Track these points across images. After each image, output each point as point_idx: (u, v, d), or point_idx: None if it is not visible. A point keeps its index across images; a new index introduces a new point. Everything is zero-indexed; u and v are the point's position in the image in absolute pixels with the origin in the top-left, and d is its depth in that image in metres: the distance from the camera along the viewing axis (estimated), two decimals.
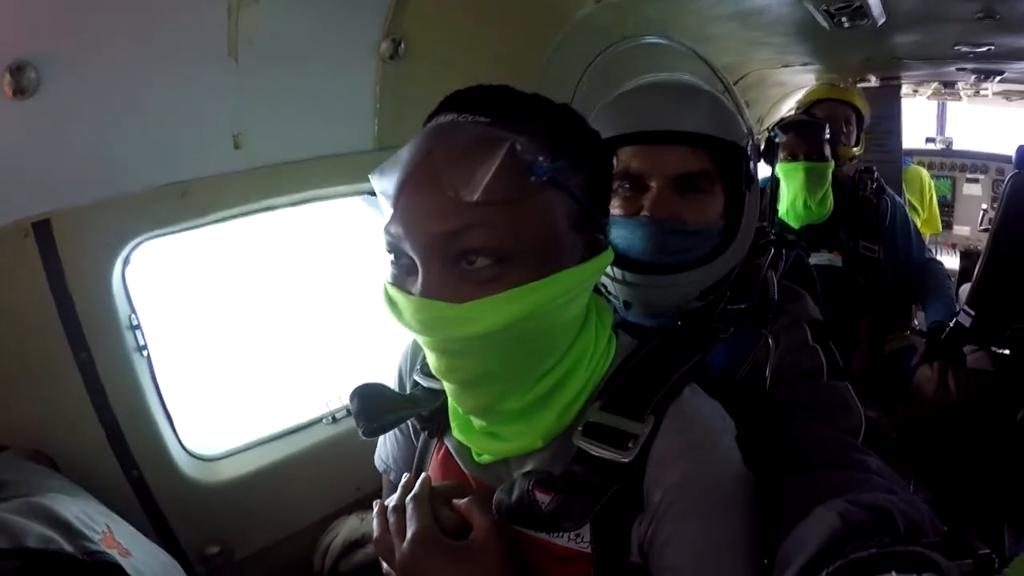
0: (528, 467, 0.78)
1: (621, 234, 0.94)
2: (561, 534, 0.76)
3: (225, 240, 1.47)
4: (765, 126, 2.37)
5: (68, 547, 0.91)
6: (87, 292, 1.23)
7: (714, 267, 0.99)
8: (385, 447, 1.06)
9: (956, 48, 2.05)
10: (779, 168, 2.15)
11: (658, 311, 0.93)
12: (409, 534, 0.73)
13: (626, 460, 0.71)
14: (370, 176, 0.72)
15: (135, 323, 1.30)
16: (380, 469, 1.05)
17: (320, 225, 1.63)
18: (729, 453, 0.76)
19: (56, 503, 1.00)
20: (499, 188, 0.64)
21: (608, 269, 0.97)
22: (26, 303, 1.19)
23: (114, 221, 1.23)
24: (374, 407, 0.87)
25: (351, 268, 1.76)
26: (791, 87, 3.16)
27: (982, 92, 3.58)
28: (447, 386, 0.76)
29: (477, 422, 0.81)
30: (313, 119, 1.39)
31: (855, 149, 2.40)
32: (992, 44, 1.95)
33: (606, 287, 1.01)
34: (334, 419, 1.61)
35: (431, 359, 0.73)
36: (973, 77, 2.66)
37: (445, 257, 0.67)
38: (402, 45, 1.39)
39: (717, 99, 1.02)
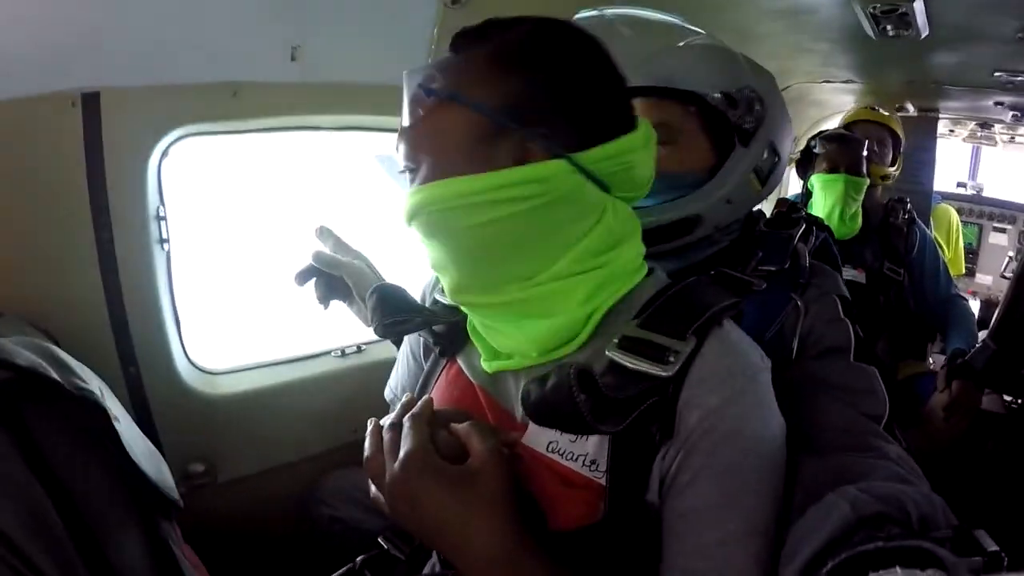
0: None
1: None
2: (576, 457, 0.73)
3: (268, 156, 1.47)
4: (799, 148, 2.38)
5: (55, 375, 0.86)
6: (122, 173, 1.21)
7: (692, 199, 1.00)
8: (397, 374, 1.03)
9: (995, 76, 2.08)
10: (816, 179, 2.15)
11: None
12: (402, 453, 0.68)
13: (666, 374, 0.67)
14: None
15: (162, 215, 1.28)
16: (388, 399, 1.02)
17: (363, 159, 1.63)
18: (768, 392, 0.73)
19: (54, 348, 0.96)
20: (410, 113, 0.76)
21: None
22: (59, 173, 1.17)
23: (162, 107, 1.22)
24: (391, 306, 0.86)
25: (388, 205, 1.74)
26: (829, 109, 3.17)
27: (1018, 138, 3.60)
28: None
29: (484, 321, 0.80)
30: (371, 47, 1.39)
31: (890, 169, 2.40)
32: None
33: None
34: (343, 353, 1.57)
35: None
36: (1011, 115, 2.68)
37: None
38: None
39: (696, 47, 1.04)
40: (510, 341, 0.78)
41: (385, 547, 0.95)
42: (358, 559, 0.96)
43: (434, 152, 0.72)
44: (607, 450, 0.71)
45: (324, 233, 1.14)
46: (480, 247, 0.73)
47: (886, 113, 2.44)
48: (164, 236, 1.30)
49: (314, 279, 1.13)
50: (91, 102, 1.15)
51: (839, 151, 2.15)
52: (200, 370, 1.40)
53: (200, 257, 1.49)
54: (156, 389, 1.30)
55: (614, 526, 0.71)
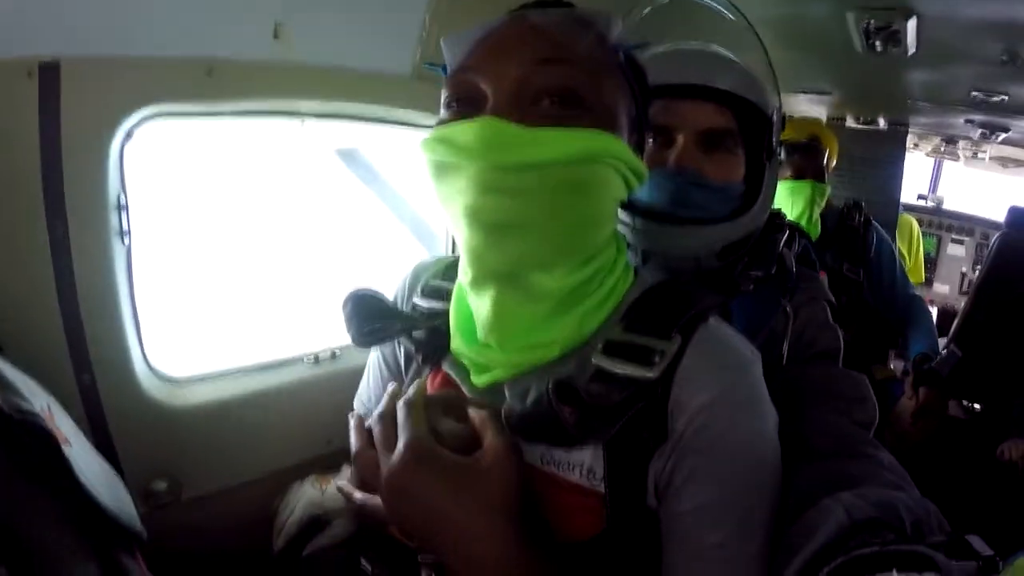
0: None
1: (645, 185, 0.94)
2: (572, 468, 0.71)
3: (241, 148, 1.35)
4: None
5: None
6: (80, 155, 1.06)
7: (730, 227, 1.01)
8: (367, 386, 0.98)
9: (972, 95, 2.18)
10: (783, 186, 2.25)
11: (676, 262, 0.92)
12: (401, 443, 0.63)
13: (652, 375, 0.67)
14: (442, 41, 0.74)
15: (123, 203, 1.14)
16: (358, 412, 0.96)
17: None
18: (759, 385, 0.72)
19: None
20: (591, 46, 0.70)
21: (628, 219, 0.98)
22: (9, 151, 1.01)
23: (128, 82, 1.08)
24: (368, 313, 0.82)
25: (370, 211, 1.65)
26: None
27: (979, 155, 3.83)
28: (472, 242, 0.68)
29: (483, 333, 0.73)
30: (359, 30, 1.29)
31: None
32: (1007, 94, 2.08)
33: (625, 236, 0.98)
34: (316, 360, 1.46)
35: (469, 198, 0.65)
36: (978, 132, 2.82)
37: (523, 91, 0.67)
38: None
39: (747, 70, 1.04)
40: (500, 355, 0.74)
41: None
42: None
43: (612, 105, 0.72)
44: (602, 457, 0.68)
45: None
46: (592, 218, 0.71)
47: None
48: (125, 228, 1.15)
49: None
50: (49, 72, 1.01)
51: (804, 159, 2.30)
52: (162, 378, 1.26)
53: (163, 252, 1.35)
54: (113, 399, 1.16)
55: (618, 534, 0.68)
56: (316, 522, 1.27)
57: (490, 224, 0.66)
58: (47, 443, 0.77)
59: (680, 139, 0.98)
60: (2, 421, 0.73)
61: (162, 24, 1.09)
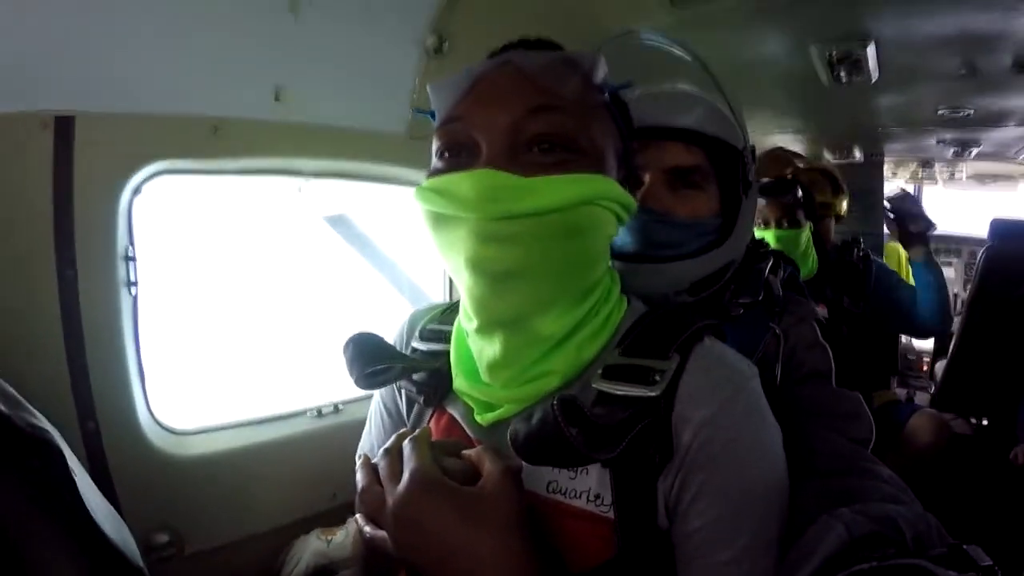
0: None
1: None
2: (579, 494, 0.70)
3: (246, 204, 1.41)
4: None
5: (5, 409, 0.75)
6: (92, 206, 1.13)
7: (703, 261, 1.01)
8: (370, 434, 0.97)
9: (938, 113, 2.25)
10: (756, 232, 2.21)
11: (645, 301, 0.89)
12: (407, 474, 0.63)
13: (653, 394, 0.67)
14: (428, 87, 0.74)
15: (131, 255, 1.19)
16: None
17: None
18: (759, 397, 0.73)
19: (3, 385, 0.85)
20: (578, 88, 0.71)
21: None
22: (23, 200, 1.08)
23: (139, 137, 1.16)
24: (369, 356, 0.82)
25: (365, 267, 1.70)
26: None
27: (956, 175, 3.87)
28: (475, 291, 0.69)
29: (487, 375, 0.75)
30: (355, 91, 1.39)
31: (834, 199, 2.52)
32: (972, 109, 2.15)
33: None
34: (319, 414, 1.45)
35: (470, 249, 0.66)
36: (951, 151, 2.88)
37: (516, 140, 0.68)
38: (446, 43, 1.44)
39: (714, 105, 1.07)
40: (503, 392, 0.75)
41: None
42: None
43: (602, 146, 0.73)
44: (609, 482, 0.68)
45: None
46: (589, 258, 0.73)
47: (799, 164, 2.56)
48: (132, 279, 1.20)
49: None
50: (64, 125, 1.08)
51: (768, 206, 2.16)
52: (166, 429, 1.27)
53: (168, 305, 1.38)
54: (117, 448, 1.16)
55: (630, 559, 0.67)
56: (323, 572, 1.24)
57: (493, 273, 0.67)
58: (56, 459, 0.77)
59: (647, 178, 1.00)
60: (13, 434, 0.74)
61: (171, 83, 1.18)
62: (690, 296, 1.01)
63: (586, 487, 0.70)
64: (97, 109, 1.11)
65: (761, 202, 2.16)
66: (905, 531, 0.60)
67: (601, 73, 0.74)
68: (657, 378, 0.68)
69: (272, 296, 1.65)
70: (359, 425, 1.00)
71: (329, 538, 1.31)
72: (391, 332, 0.97)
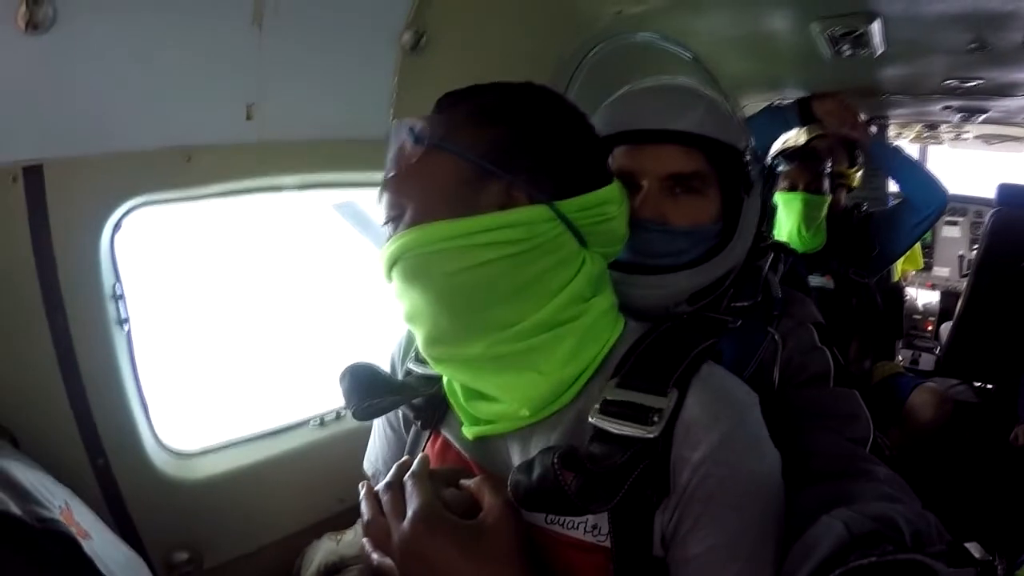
0: (535, 448, 0.72)
1: None
2: (576, 525, 0.72)
3: (227, 221, 1.40)
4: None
5: (16, 510, 0.79)
6: (72, 251, 1.12)
7: (703, 271, 0.97)
8: (375, 446, 1.00)
9: (946, 83, 2.15)
10: (778, 196, 2.19)
11: (643, 314, 0.87)
12: (410, 511, 0.66)
13: (652, 436, 0.67)
14: None
15: (119, 293, 1.20)
16: (368, 472, 0.98)
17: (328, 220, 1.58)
18: (758, 427, 0.73)
19: (11, 468, 0.88)
20: (396, 162, 0.76)
21: None
22: (3, 254, 1.07)
23: (111, 177, 1.14)
24: (366, 388, 0.83)
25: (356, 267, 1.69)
26: None
27: (963, 136, 3.77)
28: None
29: (463, 381, 0.79)
30: (330, 100, 1.34)
31: (850, 170, 2.47)
32: (981, 78, 2.05)
33: None
34: (322, 422, 1.49)
35: None
36: (958, 116, 2.79)
37: None
38: (424, 38, 1.37)
39: (713, 102, 1.02)
40: (494, 406, 0.77)
41: None
42: None
43: (419, 197, 0.73)
44: (607, 514, 0.69)
45: None
46: (461, 293, 0.72)
47: None
48: (123, 316, 1.21)
49: None
50: (33, 175, 1.06)
51: (798, 169, 2.19)
52: (174, 454, 1.31)
53: (161, 332, 1.40)
54: (128, 479, 1.21)
55: None
56: (334, 568, 1.32)
57: (405, 316, 0.77)
58: (69, 546, 0.81)
59: (645, 185, 0.95)
60: (24, 531, 0.78)
61: (139, 117, 1.14)
62: (689, 305, 0.98)
63: (583, 518, 0.71)
64: (66, 153, 1.09)
65: (792, 165, 2.19)
66: (904, 529, 0.61)
67: (435, 125, 0.76)
68: (656, 419, 0.68)
69: (272, 303, 1.66)
70: (362, 429, 1.03)
71: (339, 538, 1.39)
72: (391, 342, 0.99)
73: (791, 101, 2.07)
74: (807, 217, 2.16)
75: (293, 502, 1.42)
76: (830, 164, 2.24)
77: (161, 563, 1.23)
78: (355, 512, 0.83)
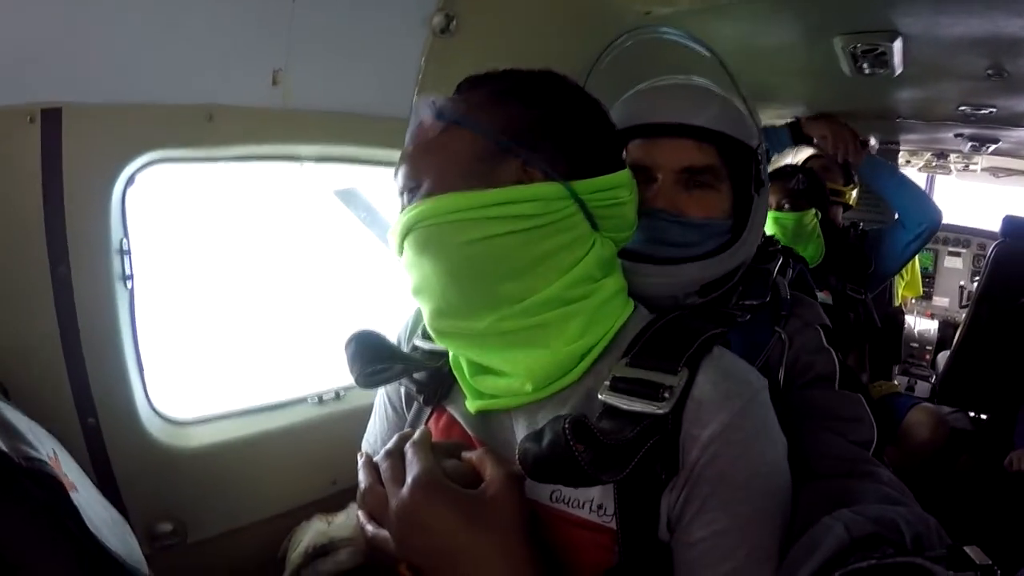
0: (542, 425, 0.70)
1: None
2: (582, 504, 0.72)
3: (243, 190, 1.37)
4: None
5: (3, 446, 0.75)
6: (83, 200, 1.09)
7: (714, 263, 1.00)
8: (375, 426, 0.99)
9: (960, 109, 2.18)
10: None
11: (653, 303, 0.89)
12: (410, 478, 0.65)
13: (662, 411, 0.68)
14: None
15: (126, 248, 1.16)
16: (368, 452, 0.96)
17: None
18: (767, 410, 0.73)
19: (2, 410, 0.85)
20: (416, 136, 0.79)
21: None
22: (12, 197, 1.05)
23: (129, 128, 1.11)
24: (372, 354, 0.83)
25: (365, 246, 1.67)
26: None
27: (971, 167, 3.83)
28: None
29: (468, 355, 0.79)
30: (356, 74, 1.33)
31: (845, 188, 2.53)
32: (995, 106, 2.08)
33: None
34: (320, 400, 1.46)
35: None
36: (968, 146, 2.83)
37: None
38: (454, 22, 1.37)
39: (729, 101, 1.04)
40: (500, 381, 0.76)
41: None
42: None
43: (436, 171, 0.75)
44: (613, 493, 0.69)
45: None
46: (472, 265, 0.73)
47: None
48: (127, 272, 1.17)
49: None
50: (51, 119, 1.04)
51: (773, 189, 2.19)
52: (166, 420, 1.27)
53: (165, 296, 1.36)
54: (118, 441, 1.17)
55: (630, 569, 0.69)
56: (322, 550, 1.27)
57: (412, 288, 0.79)
58: (55, 489, 0.77)
59: (660, 177, 0.98)
60: (11, 469, 0.74)
61: (163, 71, 1.12)
62: (700, 297, 1.00)
63: (589, 497, 0.71)
64: (86, 100, 1.06)
65: (770, 185, 2.15)
66: (904, 532, 0.61)
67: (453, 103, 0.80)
68: (666, 395, 0.68)
69: (275, 279, 1.64)
70: (360, 412, 1.01)
71: (330, 520, 1.34)
72: (398, 323, 0.99)
73: (783, 123, 2.14)
74: (793, 234, 2.18)
75: (285, 480, 1.38)
76: (804, 182, 2.24)
77: (144, 533, 1.18)
78: (348, 495, 0.81)
